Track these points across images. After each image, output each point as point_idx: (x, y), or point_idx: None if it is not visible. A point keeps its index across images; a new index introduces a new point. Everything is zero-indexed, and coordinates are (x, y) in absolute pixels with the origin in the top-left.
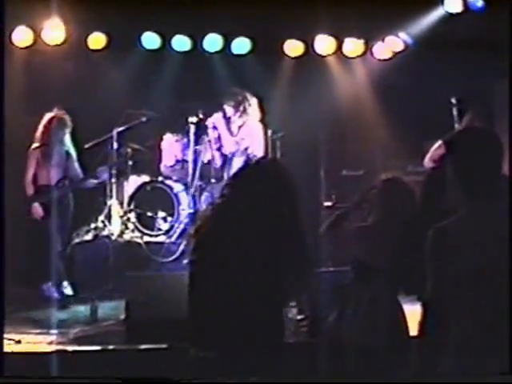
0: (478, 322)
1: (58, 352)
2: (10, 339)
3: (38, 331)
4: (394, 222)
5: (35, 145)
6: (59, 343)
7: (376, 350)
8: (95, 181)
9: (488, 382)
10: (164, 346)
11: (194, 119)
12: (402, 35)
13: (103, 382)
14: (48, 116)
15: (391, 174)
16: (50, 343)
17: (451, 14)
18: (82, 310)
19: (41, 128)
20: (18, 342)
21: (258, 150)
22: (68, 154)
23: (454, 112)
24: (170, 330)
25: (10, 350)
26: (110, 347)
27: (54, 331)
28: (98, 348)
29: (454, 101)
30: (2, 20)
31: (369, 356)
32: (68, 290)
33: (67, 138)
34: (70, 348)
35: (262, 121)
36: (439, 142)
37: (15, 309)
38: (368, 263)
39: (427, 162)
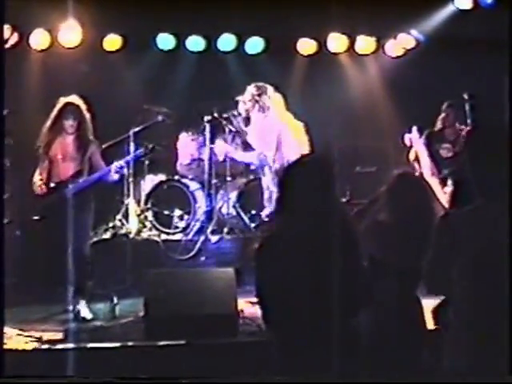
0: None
1: (78, 349)
2: (31, 336)
3: (57, 328)
4: (408, 217)
5: (47, 138)
6: (78, 340)
7: (396, 347)
8: (118, 174)
9: (488, 382)
10: (182, 342)
11: (209, 118)
12: (414, 32)
13: (103, 382)
14: (62, 101)
15: (403, 169)
16: (69, 340)
17: (462, 11)
18: (101, 307)
19: (54, 116)
20: (39, 339)
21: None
22: (87, 144)
23: (466, 107)
24: (188, 327)
25: (30, 348)
26: (130, 343)
27: (73, 328)
28: (117, 344)
29: (466, 96)
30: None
31: (388, 353)
32: (85, 312)
33: (86, 127)
34: (90, 345)
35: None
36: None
37: (34, 307)
38: (383, 260)
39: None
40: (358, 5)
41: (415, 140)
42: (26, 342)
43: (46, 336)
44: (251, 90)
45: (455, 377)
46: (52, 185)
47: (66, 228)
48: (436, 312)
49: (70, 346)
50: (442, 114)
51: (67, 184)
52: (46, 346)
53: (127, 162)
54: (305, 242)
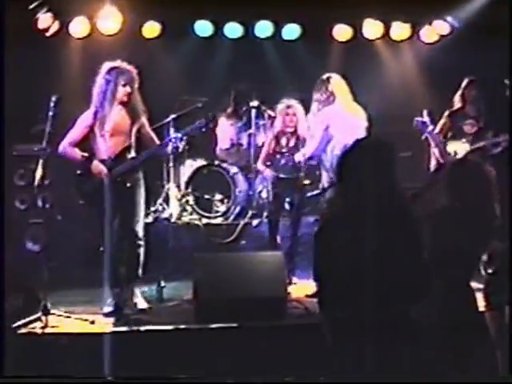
0: None
1: (130, 332)
2: (85, 319)
3: (105, 311)
4: (465, 206)
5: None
6: (129, 323)
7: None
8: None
9: (488, 382)
10: (234, 324)
11: (255, 103)
12: (449, 19)
13: (103, 382)
14: (106, 66)
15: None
16: (118, 324)
17: None
18: (147, 290)
19: (97, 83)
20: (92, 322)
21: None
22: (138, 116)
23: (507, 93)
24: (238, 310)
25: (84, 331)
26: (182, 326)
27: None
28: (170, 327)
29: (506, 81)
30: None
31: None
32: (141, 303)
33: (136, 96)
34: (143, 328)
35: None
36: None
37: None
38: (441, 248)
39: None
40: None
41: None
42: (82, 325)
43: (98, 319)
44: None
45: (455, 377)
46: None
47: (115, 209)
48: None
49: (123, 329)
50: (460, 91)
51: (115, 161)
52: (98, 330)
53: (185, 134)
54: (364, 226)
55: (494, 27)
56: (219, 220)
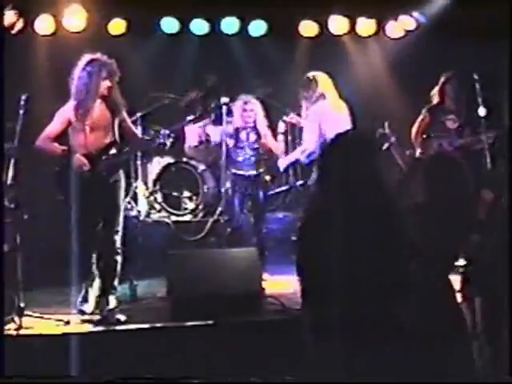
0: None
1: (106, 332)
2: (59, 320)
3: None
4: (445, 199)
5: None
6: (103, 323)
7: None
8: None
9: (488, 382)
10: (210, 322)
11: (225, 100)
12: (415, 14)
13: (103, 382)
14: (86, 58)
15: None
16: (94, 323)
17: None
18: (119, 288)
19: (76, 76)
20: (67, 322)
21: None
22: (116, 110)
23: (477, 86)
24: (213, 307)
25: (59, 333)
26: (159, 325)
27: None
28: (146, 326)
29: (476, 76)
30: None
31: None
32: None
33: (115, 90)
34: (118, 327)
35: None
36: (423, 112)
37: (57, 290)
38: (420, 242)
39: (414, 135)
40: None
41: None
42: (56, 326)
43: (72, 319)
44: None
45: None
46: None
47: (96, 207)
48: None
49: (99, 328)
50: (437, 87)
51: (97, 156)
52: (74, 330)
53: (173, 131)
54: (347, 221)
55: (462, 23)
56: (188, 217)
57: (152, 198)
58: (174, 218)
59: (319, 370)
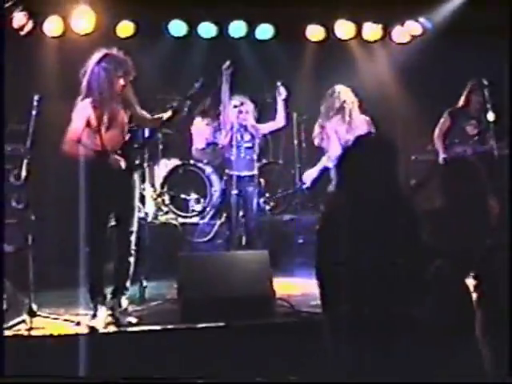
0: None
1: (119, 333)
2: (71, 321)
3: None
4: (461, 204)
5: (81, 97)
6: (115, 324)
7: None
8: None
9: (488, 382)
10: (221, 324)
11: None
12: (422, 20)
13: (104, 382)
14: (101, 53)
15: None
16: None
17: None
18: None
19: (90, 70)
20: (78, 323)
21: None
22: (129, 109)
23: (486, 93)
24: (224, 309)
25: (71, 333)
26: (170, 327)
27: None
28: (157, 328)
29: (485, 82)
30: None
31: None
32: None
33: (129, 89)
34: (130, 329)
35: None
36: (445, 115)
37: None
38: (434, 246)
39: (436, 139)
40: None
41: None
42: (67, 326)
43: (83, 320)
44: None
45: (455, 377)
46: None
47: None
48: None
49: (110, 330)
50: (466, 92)
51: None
52: (86, 331)
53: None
54: (366, 223)
55: (470, 28)
56: (195, 219)
57: (159, 199)
58: (181, 219)
59: (338, 371)
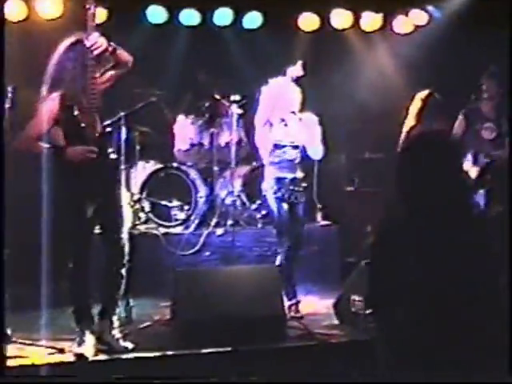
0: None
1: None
2: (52, 347)
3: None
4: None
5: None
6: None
7: None
8: None
9: (488, 382)
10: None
11: (217, 98)
12: (430, 8)
13: (104, 382)
14: (69, 41)
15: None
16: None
17: None
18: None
19: (56, 60)
20: (61, 350)
21: None
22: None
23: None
24: (228, 331)
25: (53, 361)
26: (169, 353)
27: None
28: (156, 354)
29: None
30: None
31: None
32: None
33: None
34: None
35: None
36: (459, 117)
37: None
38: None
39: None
40: None
41: None
42: (50, 354)
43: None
44: None
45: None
46: None
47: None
48: None
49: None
50: (482, 86)
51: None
52: (72, 359)
53: None
54: (430, 237)
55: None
56: (179, 229)
57: (138, 206)
58: (162, 229)
59: None
